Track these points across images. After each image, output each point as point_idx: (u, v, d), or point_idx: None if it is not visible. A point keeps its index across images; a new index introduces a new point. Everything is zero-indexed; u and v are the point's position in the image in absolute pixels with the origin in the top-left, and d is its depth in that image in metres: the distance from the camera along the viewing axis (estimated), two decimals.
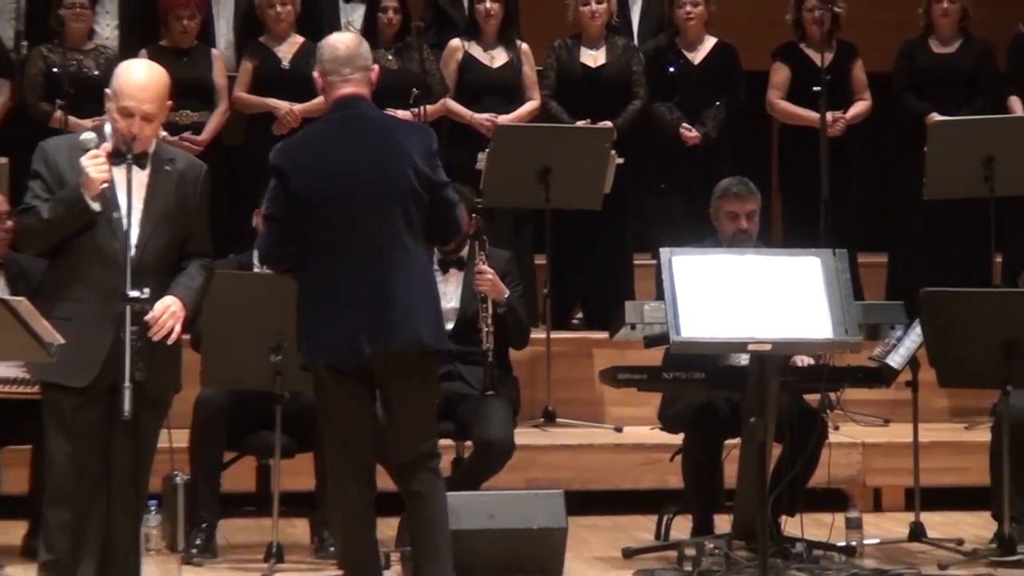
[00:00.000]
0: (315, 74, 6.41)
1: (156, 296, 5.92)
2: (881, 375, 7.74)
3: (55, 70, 9.72)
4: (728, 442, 7.76)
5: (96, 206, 5.94)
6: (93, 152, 5.96)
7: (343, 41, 6.43)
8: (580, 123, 9.97)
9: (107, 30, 10.19)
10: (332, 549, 7.70)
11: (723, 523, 7.73)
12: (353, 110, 6.30)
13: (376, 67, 6.46)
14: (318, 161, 6.25)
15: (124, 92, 6.04)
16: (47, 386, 6.18)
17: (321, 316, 6.20)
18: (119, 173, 6.00)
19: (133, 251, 5.95)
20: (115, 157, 6.01)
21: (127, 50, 9.92)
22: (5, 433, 7.68)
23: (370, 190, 6.18)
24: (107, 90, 6.15)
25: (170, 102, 6.19)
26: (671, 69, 10.25)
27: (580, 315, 10.33)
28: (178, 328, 6.02)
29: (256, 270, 8.02)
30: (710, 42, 10.31)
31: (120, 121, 6.04)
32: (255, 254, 8.10)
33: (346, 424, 6.24)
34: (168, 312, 5.99)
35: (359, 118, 6.31)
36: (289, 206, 6.23)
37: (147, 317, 5.93)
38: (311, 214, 6.19)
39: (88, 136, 6.02)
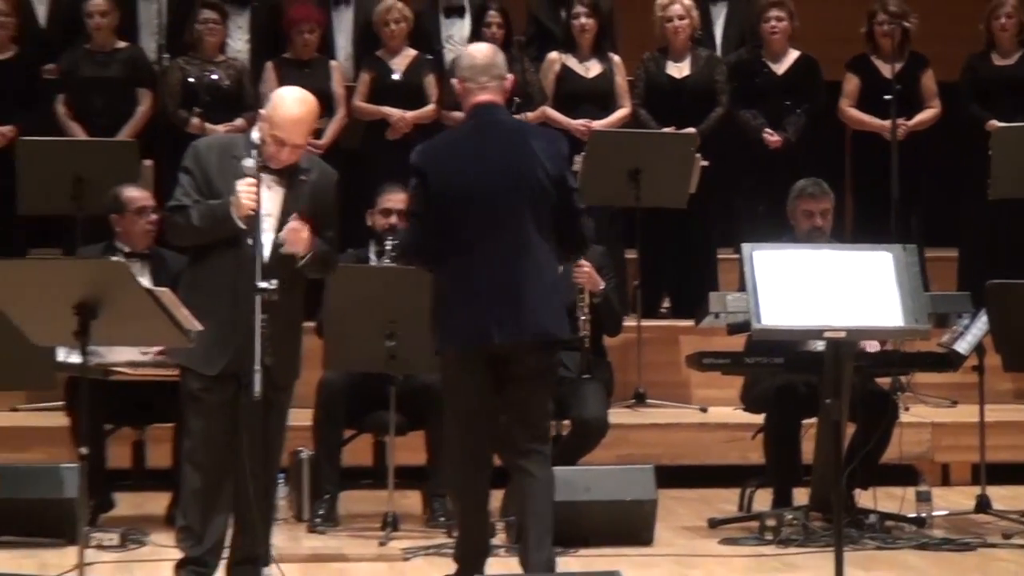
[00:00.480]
0: (454, 81, 6.42)
1: (284, 288, 5.97)
2: (949, 360, 7.71)
3: (191, 80, 9.84)
4: (805, 421, 7.76)
5: (242, 225, 6.00)
6: (249, 180, 6.02)
7: (481, 51, 6.43)
8: (667, 129, 9.98)
9: (239, 43, 10.28)
10: (442, 519, 7.76)
11: (801, 496, 7.72)
12: (488, 116, 6.30)
13: (511, 77, 6.44)
14: (456, 162, 6.25)
15: (279, 124, 6.09)
16: (184, 369, 6.27)
17: (455, 306, 6.21)
18: (239, 185, 6.05)
19: (267, 250, 6.02)
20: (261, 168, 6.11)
21: (256, 62, 10.06)
22: (150, 412, 7.78)
23: (503, 190, 6.17)
24: (262, 111, 6.21)
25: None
26: (756, 79, 10.24)
27: (668, 304, 10.31)
28: (306, 242, 6.04)
29: (372, 264, 8.10)
30: (793, 54, 10.28)
31: (271, 145, 6.10)
32: (370, 249, 8.20)
33: (471, 406, 6.25)
34: (303, 228, 6.03)
35: (494, 123, 6.31)
36: (429, 204, 6.23)
37: (287, 227, 5.99)
38: (449, 211, 6.20)
39: (249, 163, 6.04)
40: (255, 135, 6.18)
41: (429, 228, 6.26)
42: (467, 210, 6.18)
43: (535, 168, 6.21)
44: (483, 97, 6.30)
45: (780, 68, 10.28)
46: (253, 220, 6.00)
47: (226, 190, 6.09)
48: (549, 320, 6.21)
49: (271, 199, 6.12)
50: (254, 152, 6.06)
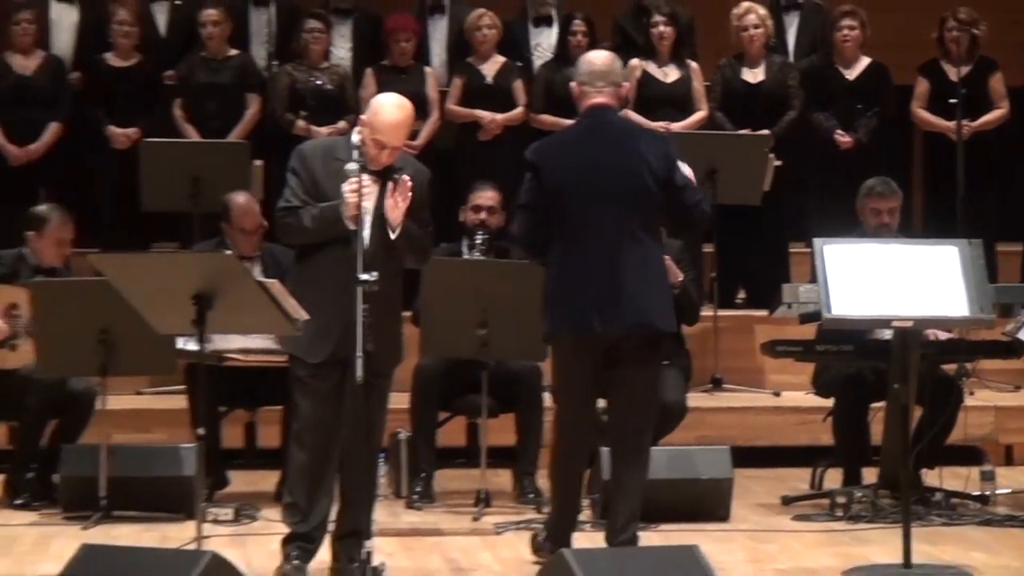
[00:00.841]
0: (572, 84, 6.43)
1: (382, 280, 5.98)
2: (1013, 348, 7.64)
3: (298, 85, 9.90)
4: (874, 405, 7.72)
5: (352, 225, 6.02)
6: (353, 181, 6.07)
7: (600, 58, 6.44)
8: (742, 131, 9.96)
9: (342, 51, 10.32)
10: (531, 496, 7.78)
11: (870, 475, 7.68)
12: (600, 118, 6.30)
13: (627, 84, 6.45)
14: (568, 159, 6.26)
15: (379, 129, 6.11)
16: (292, 357, 6.31)
17: (562, 294, 6.22)
18: (344, 186, 6.06)
19: (367, 244, 6.06)
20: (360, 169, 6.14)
21: (357, 69, 10.11)
22: (261, 396, 7.84)
23: (610, 187, 6.18)
24: (363, 116, 6.24)
25: None
26: (828, 84, 10.18)
27: (743, 295, 10.29)
28: (404, 205, 6.06)
29: (465, 257, 8.13)
30: (864, 61, 10.20)
31: (372, 148, 6.12)
32: (462, 244, 8.22)
33: (574, 389, 6.26)
34: (408, 190, 6.06)
35: (605, 125, 6.31)
36: (541, 197, 6.25)
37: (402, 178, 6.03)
38: (559, 205, 6.20)
39: (352, 167, 6.04)
40: (355, 138, 6.20)
41: (539, 219, 6.27)
42: (576, 204, 6.18)
43: (642, 168, 6.21)
44: (598, 100, 6.31)
45: (851, 73, 10.21)
46: (361, 219, 6.03)
47: (331, 189, 6.12)
48: (653, 312, 6.21)
49: (368, 197, 6.15)
50: (355, 154, 6.09)
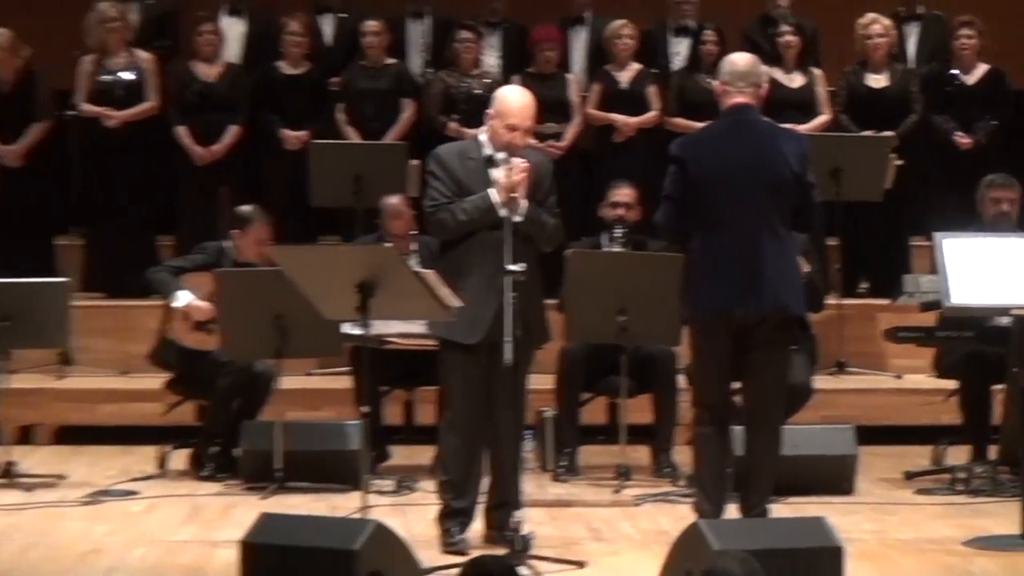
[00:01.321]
0: (716, 83, 6.39)
1: (529, 269, 6.00)
2: None
3: (451, 91, 9.95)
4: (994, 387, 7.58)
5: (504, 212, 6.05)
6: (505, 168, 6.09)
7: (742, 59, 6.40)
8: (866, 132, 9.83)
9: (491, 59, 10.33)
10: (667, 471, 7.76)
11: (991, 452, 7.56)
12: (742, 116, 6.26)
13: (767, 85, 6.41)
14: (710, 153, 6.22)
15: (509, 112, 6.18)
16: (444, 341, 6.33)
17: (702, 279, 6.18)
18: (495, 173, 6.14)
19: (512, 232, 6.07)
20: (490, 161, 6.17)
21: (505, 75, 10.14)
22: (419, 377, 7.88)
23: (750, 180, 6.13)
24: (489, 111, 6.28)
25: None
26: (947, 89, 10.03)
27: (866, 285, 10.17)
28: (515, 182, 6.06)
29: (604, 249, 8.11)
30: (983, 67, 10.04)
31: (505, 134, 6.16)
32: (602, 237, 8.20)
33: (712, 370, 6.22)
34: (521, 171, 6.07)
35: (745, 123, 6.26)
36: (685, 189, 6.21)
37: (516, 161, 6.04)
38: (701, 195, 6.16)
39: (500, 156, 6.12)
40: (482, 137, 6.26)
41: (682, 210, 6.22)
42: (717, 195, 6.14)
43: (780, 164, 6.16)
44: (739, 99, 6.26)
45: (971, 79, 10.05)
46: (512, 205, 6.06)
47: (471, 185, 6.17)
48: (788, 297, 6.16)
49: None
50: (486, 149, 6.14)
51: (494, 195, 6.12)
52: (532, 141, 9.65)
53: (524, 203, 6.11)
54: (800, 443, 7.27)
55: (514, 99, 6.24)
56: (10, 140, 9.63)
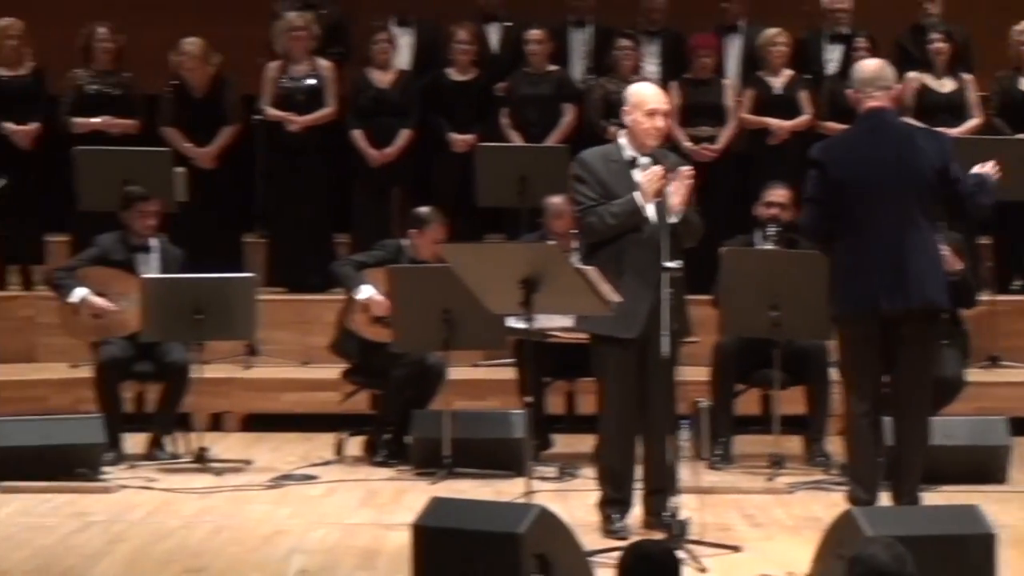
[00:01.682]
0: (849, 91, 6.34)
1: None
2: None
3: (611, 96, 9.85)
4: None
5: (650, 213, 6.02)
6: (650, 171, 6.04)
7: (870, 65, 6.34)
8: (1020, 135, 9.60)
9: (651, 67, 10.22)
10: (820, 459, 7.63)
11: None
12: (878, 119, 6.18)
13: (899, 86, 6.37)
14: (850, 156, 6.15)
15: (646, 99, 6.24)
16: (598, 336, 6.29)
17: (848, 277, 6.10)
18: (638, 176, 6.11)
19: (658, 230, 6.01)
20: (633, 164, 6.15)
21: (664, 81, 10.05)
22: (579, 368, 7.75)
23: (891, 179, 6.04)
24: (624, 108, 6.27)
25: None
26: None
27: (1019, 282, 9.93)
28: (684, 192, 6.05)
29: (757, 247, 7.99)
30: None
31: (646, 122, 6.17)
32: (755, 235, 8.10)
33: (862, 362, 6.13)
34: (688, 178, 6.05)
35: (884, 125, 6.18)
36: (826, 191, 6.13)
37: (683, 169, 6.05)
38: (843, 196, 6.08)
39: (645, 160, 6.09)
40: (622, 140, 6.24)
41: (824, 211, 6.14)
42: (860, 195, 6.05)
43: (921, 161, 6.06)
44: (873, 103, 6.18)
45: None
46: (659, 207, 6.03)
47: (616, 188, 6.15)
48: (933, 291, 6.05)
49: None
50: (626, 151, 6.12)
51: (639, 198, 6.12)
52: (688, 143, 9.64)
53: (680, 205, 6.06)
54: (954, 434, 7.15)
55: (644, 88, 6.34)
56: (203, 143, 9.79)
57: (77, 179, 9.24)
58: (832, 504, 6.37)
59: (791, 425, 7.80)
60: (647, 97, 6.23)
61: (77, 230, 9.41)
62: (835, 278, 6.19)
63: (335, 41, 10.41)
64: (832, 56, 10.32)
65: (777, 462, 7.48)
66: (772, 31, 10.07)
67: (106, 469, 7.47)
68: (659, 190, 6.06)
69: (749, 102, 10.03)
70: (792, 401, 7.80)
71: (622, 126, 6.32)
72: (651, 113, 6.16)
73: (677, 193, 6.05)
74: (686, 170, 6.10)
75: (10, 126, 9.63)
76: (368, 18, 10.34)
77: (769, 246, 7.92)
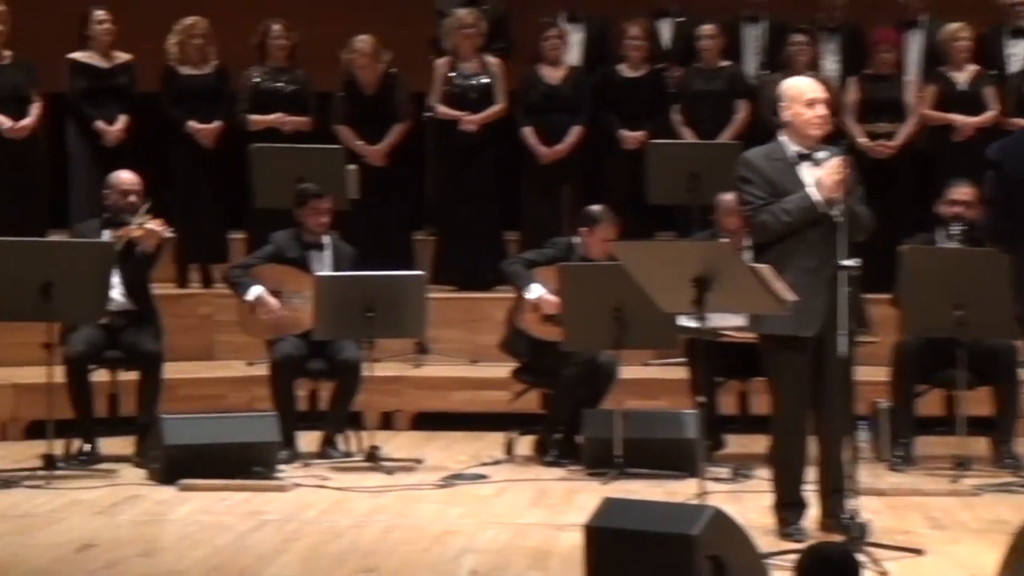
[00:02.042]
0: None
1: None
2: None
3: None
4: None
5: (828, 209, 5.93)
6: (830, 164, 5.93)
7: None
8: None
9: (830, 64, 10.13)
10: (1009, 461, 7.47)
11: None
12: None
13: None
14: None
15: (803, 90, 6.18)
16: (768, 337, 6.17)
17: None
18: (815, 172, 6.01)
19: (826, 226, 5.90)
20: (804, 158, 6.04)
21: (843, 77, 9.91)
22: (753, 368, 7.57)
23: None
24: (781, 104, 6.16)
25: None
26: None
27: None
28: (836, 179, 5.94)
29: (939, 245, 7.81)
30: None
31: (806, 112, 6.08)
32: (937, 233, 7.93)
33: None
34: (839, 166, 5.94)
35: None
36: (1003, 191, 5.95)
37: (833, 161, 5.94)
38: (1021, 196, 5.89)
39: (822, 154, 6.00)
40: (783, 138, 6.15)
41: (1003, 212, 5.96)
42: None
43: None
44: None
45: None
46: (835, 202, 5.92)
47: (783, 185, 6.04)
48: None
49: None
50: (790, 150, 6.02)
51: (814, 193, 6.01)
52: (864, 140, 9.45)
53: (841, 199, 5.96)
54: None
55: (798, 80, 6.29)
56: (373, 141, 9.87)
57: (253, 176, 9.38)
58: (1021, 507, 6.21)
59: (977, 427, 7.62)
60: (804, 88, 6.15)
61: (253, 228, 9.56)
62: (1019, 278, 5.99)
63: (497, 36, 10.42)
64: (1014, 51, 10.06)
65: (962, 464, 7.33)
66: (954, 26, 9.84)
67: (281, 467, 7.56)
68: (840, 183, 5.94)
69: (931, 98, 9.82)
70: (978, 402, 7.62)
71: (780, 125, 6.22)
72: (811, 103, 6.08)
73: (829, 178, 5.94)
74: (836, 161, 5.96)
75: (194, 124, 9.83)
76: (534, 14, 10.35)
77: (952, 244, 7.77)
